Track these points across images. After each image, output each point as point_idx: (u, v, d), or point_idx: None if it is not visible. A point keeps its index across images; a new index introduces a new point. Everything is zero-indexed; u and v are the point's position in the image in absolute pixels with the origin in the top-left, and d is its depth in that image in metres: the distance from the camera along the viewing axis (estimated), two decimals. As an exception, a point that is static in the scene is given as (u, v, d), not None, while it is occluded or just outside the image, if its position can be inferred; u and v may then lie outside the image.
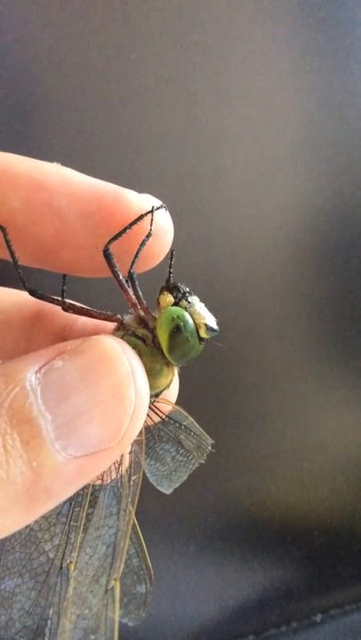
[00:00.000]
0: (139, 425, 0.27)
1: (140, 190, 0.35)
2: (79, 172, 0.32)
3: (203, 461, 0.37)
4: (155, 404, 0.33)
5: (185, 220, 0.61)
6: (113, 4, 0.55)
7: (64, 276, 0.33)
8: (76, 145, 0.56)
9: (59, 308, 0.32)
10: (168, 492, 0.39)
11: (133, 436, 0.27)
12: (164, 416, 0.34)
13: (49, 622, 0.29)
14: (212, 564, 0.72)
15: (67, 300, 0.32)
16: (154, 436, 0.36)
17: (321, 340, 0.71)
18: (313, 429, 0.73)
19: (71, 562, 0.29)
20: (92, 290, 0.42)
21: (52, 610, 0.29)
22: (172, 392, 0.35)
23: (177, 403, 0.63)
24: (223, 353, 0.65)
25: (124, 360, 0.27)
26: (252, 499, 0.72)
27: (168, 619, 0.71)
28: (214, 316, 0.31)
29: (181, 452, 0.37)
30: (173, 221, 0.60)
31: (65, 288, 0.33)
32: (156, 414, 0.34)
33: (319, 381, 0.72)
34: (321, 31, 0.62)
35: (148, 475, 0.38)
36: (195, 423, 0.36)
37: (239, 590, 0.74)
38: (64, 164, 0.31)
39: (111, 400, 0.26)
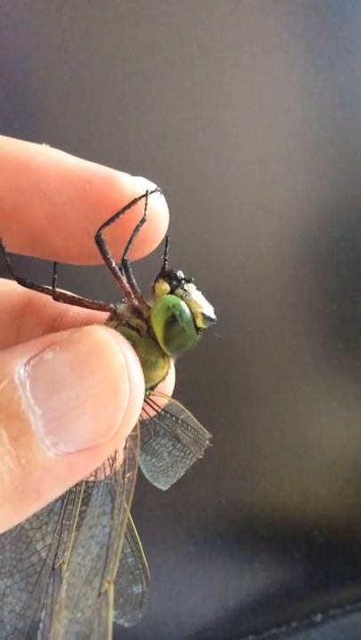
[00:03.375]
0: (133, 419, 0.26)
1: None
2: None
3: (201, 456, 0.36)
4: (150, 397, 0.32)
5: (184, 219, 0.60)
6: (113, 3, 0.54)
7: (55, 263, 0.32)
8: (77, 145, 0.56)
9: (50, 297, 0.30)
10: (165, 488, 0.38)
11: (128, 430, 0.26)
12: (160, 409, 0.33)
13: (41, 625, 0.28)
14: (212, 564, 0.72)
15: (57, 289, 0.31)
16: (149, 431, 0.35)
17: (321, 339, 0.71)
18: (313, 429, 0.73)
19: (63, 562, 0.28)
20: (86, 278, 0.41)
21: (44, 612, 0.28)
22: (169, 384, 0.34)
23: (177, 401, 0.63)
24: (223, 352, 0.65)
25: (118, 351, 0.25)
26: (252, 499, 0.72)
27: (168, 619, 0.71)
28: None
29: (178, 446, 0.35)
30: (173, 218, 0.60)
31: (56, 276, 0.31)
32: (152, 408, 0.33)
33: (319, 381, 0.72)
34: (321, 30, 0.62)
35: (143, 470, 0.37)
36: (192, 417, 0.35)
37: (239, 590, 0.74)
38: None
39: (104, 393, 0.25)
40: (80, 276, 0.40)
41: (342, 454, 0.75)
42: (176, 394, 0.62)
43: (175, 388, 0.62)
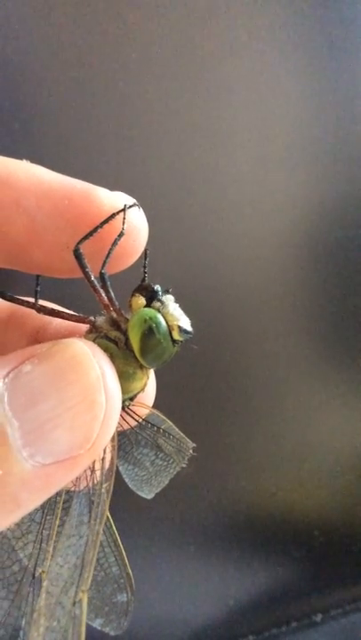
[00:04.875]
0: (110, 430, 0.26)
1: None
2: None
3: (184, 465, 0.36)
4: (130, 407, 0.32)
5: (185, 220, 0.61)
6: (113, 3, 0.54)
7: (37, 276, 0.32)
8: (77, 145, 0.56)
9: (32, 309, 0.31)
10: (149, 497, 0.38)
11: (105, 441, 0.26)
12: (140, 420, 0.33)
13: (21, 633, 0.28)
14: (212, 564, 0.72)
15: (39, 302, 0.31)
16: (131, 441, 0.36)
17: (321, 339, 0.71)
18: (313, 429, 0.73)
19: (43, 571, 0.29)
20: (77, 290, 0.41)
21: (24, 620, 0.28)
22: (149, 395, 0.34)
23: (177, 403, 0.63)
24: (223, 352, 0.65)
25: (94, 364, 0.26)
26: (252, 499, 0.72)
27: (168, 619, 0.71)
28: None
29: (161, 456, 0.36)
30: (175, 222, 0.60)
31: (38, 289, 0.32)
32: (133, 418, 0.33)
33: (319, 381, 0.72)
34: (321, 30, 0.61)
35: (127, 480, 0.37)
36: (174, 427, 0.35)
37: (239, 590, 0.74)
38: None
39: (81, 405, 0.25)
40: (71, 289, 0.40)
41: (342, 454, 0.75)
42: (176, 394, 0.63)
43: (174, 389, 0.63)
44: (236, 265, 0.64)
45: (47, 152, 0.55)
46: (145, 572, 0.68)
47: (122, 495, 0.55)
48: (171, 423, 0.35)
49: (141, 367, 0.30)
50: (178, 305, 0.30)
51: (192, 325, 0.30)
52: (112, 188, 0.32)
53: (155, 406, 0.36)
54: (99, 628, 0.35)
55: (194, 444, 0.35)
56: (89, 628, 0.36)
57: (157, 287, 0.30)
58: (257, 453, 0.71)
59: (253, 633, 0.74)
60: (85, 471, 0.29)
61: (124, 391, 0.28)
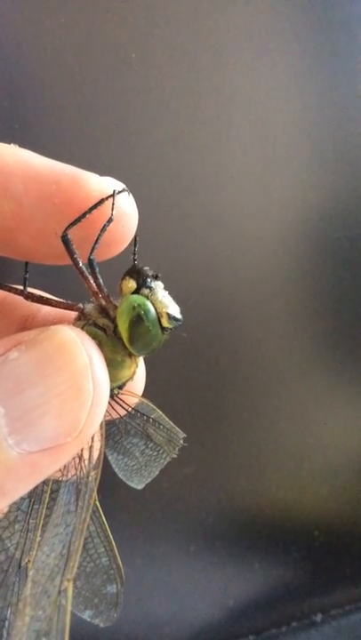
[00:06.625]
0: (98, 418, 0.26)
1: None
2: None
3: (175, 456, 0.36)
4: (119, 396, 0.32)
5: (185, 218, 0.60)
6: (114, 3, 0.54)
7: (26, 263, 0.32)
8: (77, 145, 0.56)
9: (20, 296, 0.31)
10: (139, 487, 0.38)
11: (92, 429, 0.26)
12: (130, 409, 0.33)
13: (6, 623, 0.28)
14: (212, 564, 0.72)
15: (28, 289, 0.31)
16: (120, 430, 0.35)
17: (322, 339, 0.70)
18: (313, 429, 0.72)
19: (29, 561, 0.28)
20: (68, 278, 0.41)
21: (9, 610, 0.28)
22: (139, 384, 0.34)
23: (177, 401, 0.63)
24: (222, 352, 0.65)
25: (82, 351, 0.25)
26: (252, 499, 0.72)
27: (168, 619, 0.71)
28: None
29: (151, 445, 0.35)
30: (174, 219, 0.59)
31: (27, 276, 0.31)
32: (122, 407, 0.33)
33: (320, 381, 0.72)
34: (322, 29, 0.61)
35: (116, 470, 0.37)
36: (164, 416, 0.35)
37: (239, 590, 0.74)
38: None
39: (68, 392, 0.25)
40: (61, 276, 0.40)
41: (342, 454, 0.75)
42: (174, 394, 0.62)
43: (175, 389, 0.62)
44: (236, 263, 0.64)
45: (47, 152, 0.55)
46: (144, 572, 0.68)
47: (121, 496, 0.55)
48: (161, 413, 0.35)
49: (130, 355, 0.30)
50: (167, 292, 0.29)
51: (182, 313, 0.29)
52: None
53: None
54: (88, 619, 0.35)
55: (184, 435, 0.35)
56: (84, 624, 0.36)
57: (147, 272, 0.29)
58: (257, 453, 0.71)
59: (253, 633, 0.74)
60: (74, 459, 0.29)
61: (112, 379, 0.28)
